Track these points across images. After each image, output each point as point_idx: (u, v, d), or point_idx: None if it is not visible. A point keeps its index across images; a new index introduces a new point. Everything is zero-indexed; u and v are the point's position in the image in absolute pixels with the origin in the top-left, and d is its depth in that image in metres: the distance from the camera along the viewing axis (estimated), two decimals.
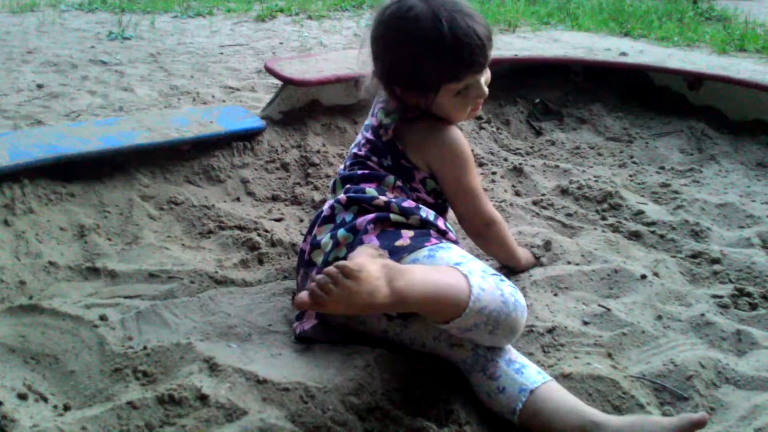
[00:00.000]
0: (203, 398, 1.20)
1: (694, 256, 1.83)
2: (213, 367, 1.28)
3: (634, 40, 4.52)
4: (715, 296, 1.64)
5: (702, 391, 1.32)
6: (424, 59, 1.43)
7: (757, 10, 6.15)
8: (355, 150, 1.61)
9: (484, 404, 1.27)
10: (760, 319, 1.55)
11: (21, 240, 1.79)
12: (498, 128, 2.78)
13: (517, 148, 2.68)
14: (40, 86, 3.43)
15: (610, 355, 1.40)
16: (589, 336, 1.47)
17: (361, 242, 1.37)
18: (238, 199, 2.18)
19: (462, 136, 1.56)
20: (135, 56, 4.21)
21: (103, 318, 1.47)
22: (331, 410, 1.20)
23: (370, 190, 1.49)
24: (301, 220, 2.06)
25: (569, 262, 1.76)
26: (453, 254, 1.34)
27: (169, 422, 1.17)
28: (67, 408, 1.23)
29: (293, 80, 2.43)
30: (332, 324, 1.42)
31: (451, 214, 1.64)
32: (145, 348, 1.36)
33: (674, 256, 1.83)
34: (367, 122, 1.64)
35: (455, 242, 1.47)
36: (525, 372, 1.25)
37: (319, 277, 1.10)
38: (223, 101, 3.20)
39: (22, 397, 1.23)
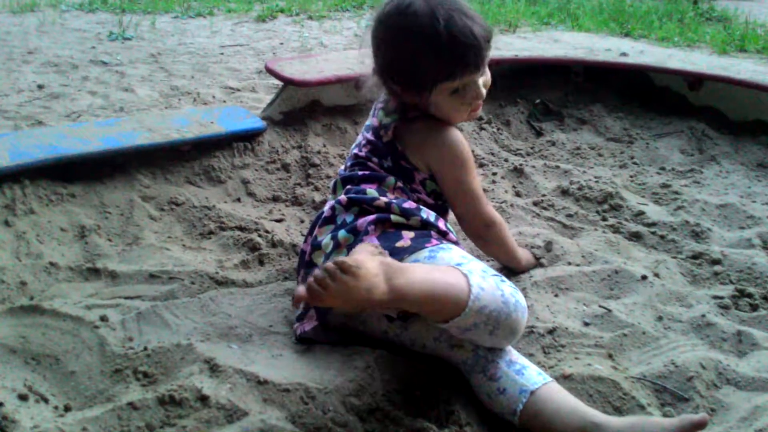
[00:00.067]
0: (204, 399, 1.20)
1: (694, 257, 1.83)
2: (214, 368, 1.28)
3: (635, 41, 4.52)
4: (715, 297, 1.64)
5: (703, 392, 1.32)
6: (419, 56, 1.43)
7: (757, 10, 6.15)
8: (355, 150, 1.61)
9: (485, 405, 1.27)
10: (761, 320, 1.55)
11: (22, 240, 1.79)
12: (498, 129, 2.78)
13: (518, 149, 2.68)
14: (40, 87, 3.43)
15: (610, 356, 1.40)
16: (589, 337, 1.47)
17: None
18: (238, 199, 2.18)
19: (462, 137, 1.56)
20: (136, 57, 4.21)
21: (103, 319, 1.47)
22: (332, 411, 1.20)
23: (371, 191, 1.49)
24: (302, 221, 2.06)
25: (570, 263, 1.76)
26: (454, 255, 1.34)
27: (169, 423, 1.17)
28: (67, 409, 1.23)
29: (294, 81, 2.43)
30: (333, 325, 1.42)
31: (451, 215, 1.64)
32: (145, 349, 1.36)
33: (675, 257, 1.83)
34: (368, 122, 1.64)
35: (456, 243, 1.47)
36: (525, 373, 1.25)
37: (317, 272, 1.10)
38: (224, 102, 3.20)
39: (23, 397, 1.23)
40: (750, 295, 1.63)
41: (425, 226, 1.46)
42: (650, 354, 1.43)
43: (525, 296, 1.56)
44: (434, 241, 1.40)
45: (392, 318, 1.38)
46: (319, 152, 2.37)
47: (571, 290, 1.66)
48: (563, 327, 1.48)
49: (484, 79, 1.51)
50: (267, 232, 1.93)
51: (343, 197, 1.49)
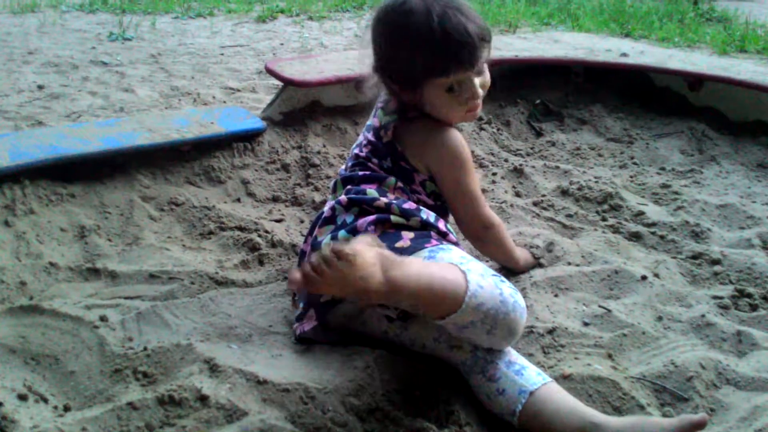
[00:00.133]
0: (203, 399, 1.20)
1: (694, 257, 1.83)
2: (213, 368, 1.28)
3: (635, 41, 4.52)
4: (715, 297, 1.63)
5: (702, 392, 1.31)
6: (413, 52, 1.44)
7: (757, 11, 6.15)
8: (356, 151, 1.61)
9: (484, 406, 1.27)
10: (761, 320, 1.55)
11: (21, 241, 1.79)
12: (498, 129, 2.78)
13: (518, 149, 2.68)
14: (40, 87, 3.43)
15: (610, 356, 1.40)
16: (589, 337, 1.46)
17: None
18: (238, 199, 2.18)
19: (462, 138, 1.55)
20: (136, 57, 4.22)
21: (103, 319, 1.47)
22: (331, 411, 1.20)
23: (371, 191, 1.49)
24: (302, 221, 2.06)
25: (570, 263, 1.76)
26: (453, 255, 1.34)
27: (169, 423, 1.17)
28: (67, 409, 1.23)
29: (294, 81, 2.43)
30: (332, 325, 1.42)
31: (450, 216, 1.64)
32: (145, 349, 1.36)
33: (675, 257, 1.83)
34: (368, 122, 1.64)
35: (456, 244, 1.47)
36: (525, 373, 1.25)
37: (313, 257, 1.10)
38: (224, 102, 3.20)
39: (23, 397, 1.23)
40: (750, 295, 1.63)
41: (425, 226, 1.46)
42: (650, 354, 1.43)
43: (525, 296, 1.57)
44: (434, 242, 1.40)
45: (392, 318, 1.38)
46: (318, 152, 2.37)
47: (570, 290, 1.66)
48: (563, 327, 1.48)
49: (482, 79, 1.51)
50: (267, 232, 1.93)
51: (343, 197, 1.49)
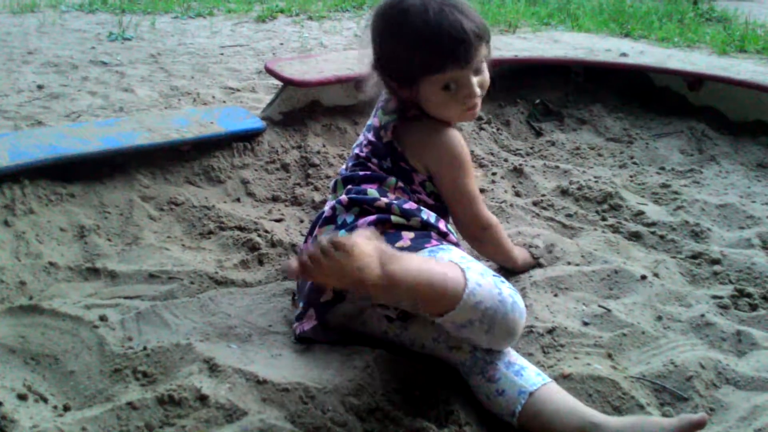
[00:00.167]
0: (203, 399, 1.20)
1: (694, 257, 1.83)
2: (213, 368, 1.28)
3: (635, 41, 4.52)
4: (715, 297, 1.63)
5: (702, 391, 1.31)
6: (408, 47, 1.44)
7: (757, 10, 6.15)
8: (356, 150, 1.61)
9: (484, 406, 1.27)
10: (760, 320, 1.55)
11: (21, 240, 1.79)
12: (498, 129, 2.78)
13: (518, 149, 2.68)
14: (40, 87, 3.43)
15: (610, 356, 1.40)
16: (589, 337, 1.46)
17: None
18: (238, 199, 2.18)
19: (461, 138, 1.55)
20: (135, 57, 4.22)
21: (103, 318, 1.47)
22: (331, 411, 1.20)
23: (372, 191, 1.49)
24: (302, 221, 2.06)
25: (569, 263, 1.76)
26: (453, 255, 1.33)
27: (168, 423, 1.17)
28: (66, 408, 1.23)
29: (293, 81, 2.43)
30: (332, 325, 1.42)
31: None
32: (145, 348, 1.36)
33: (674, 257, 1.83)
34: (369, 122, 1.64)
35: (456, 245, 1.47)
36: (524, 374, 1.24)
37: (310, 247, 1.10)
38: (224, 102, 3.20)
39: (22, 397, 1.23)
40: (749, 295, 1.63)
41: (425, 227, 1.46)
42: (649, 354, 1.43)
43: (524, 296, 1.57)
44: (434, 242, 1.40)
45: (392, 318, 1.38)
46: (318, 152, 2.37)
47: (570, 290, 1.66)
48: (563, 327, 1.48)
49: (480, 78, 1.49)
50: (266, 231, 1.93)
51: (344, 197, 1.49)
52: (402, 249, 1.35)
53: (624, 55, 3.04)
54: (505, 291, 1.24)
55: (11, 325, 1.44)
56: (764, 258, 1.79)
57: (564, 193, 2.22)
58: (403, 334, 1.38)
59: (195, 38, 4.93)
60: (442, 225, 1.49)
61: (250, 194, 2.20)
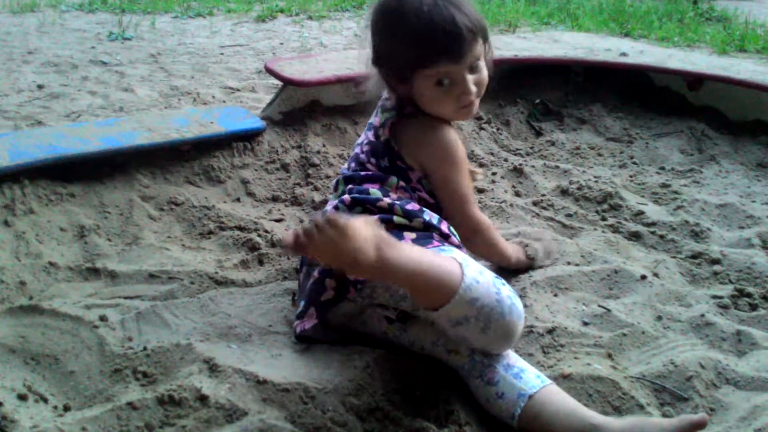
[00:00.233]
0: (203, 399, 1.20)
1: (694, 257, 1.83)
2: (213, 368, 1.28)
3: (635, 41, 4.52)
4: (715, 297, 1.64)
5: (702, 391, 1.32)
6: (401, 41, 1.45)
7: (757, 10, 6.15)
8: (357, 150, 1.61)
9: (483, 408, 1.26)
10: (760, 320, 1.55)
11: (21, 240, 1.79)
12: (498, 129, 2.78)
13: (517, 149, 2.68)
14: (40, 87, 3.43)
15: (610, 356, 1.40)
16: (589, 337, 1.46)
17: None
18: (238, 199, 2.18)
19: (456, 136, 1.54)
20: (135, 57, 4.21)
21: (103, 318, 1.47)
22: (331, 411, 1.20)
23: (374, 191, 1.48)
24: (302, 221, 2.06)
25: (569, 263, 1.76)
26: (455, 256, 1.33)
27: (168, 423, 1.17)
28: (67, 408, 1.23)
29: (293, 81, 2.43)
30: (332, 324, 1.42)
31: None
32: (145, 348, 1.36)
33: (674, 257, 1.83)
34: (370, 121, 1.63)
35: (458, 247, 1.46)
36: (524, 376, 1.24)
37: (306, 223, 1.10)
38: (224, 102, 3.20)
39: (22, 397, 1.23)
40: (749, 295, 1.63)
41: (427, 228, 1.45)
42: (649, 354, 1.43)
43: (524, 296, 1.58)
44: (436, 243, 1.40)
45: (391, 319, 1.38)
46: (318, 152, 2.37)
47: (570, 290, 1.66)
48: (562, 327, 1.48)
49: (477, 77, 1.48)
50: (266, 231, 1.93)
51: (346, 197, 1.49)
52: None
53: (624, 54, 3.04)
54: (504, 292, 1.23)
55: (11, 325, 1.44)
56: (764, 258, 1.79)
57: (564, 192, 2.22)
58: (403, 336, 1.38)
59: (195, 38, 4.93)
60: (444, 227, 1.48)
61: (250, 194, 2.20)
